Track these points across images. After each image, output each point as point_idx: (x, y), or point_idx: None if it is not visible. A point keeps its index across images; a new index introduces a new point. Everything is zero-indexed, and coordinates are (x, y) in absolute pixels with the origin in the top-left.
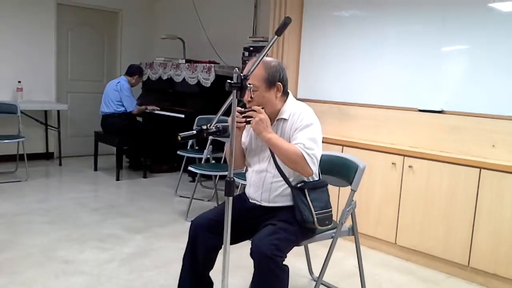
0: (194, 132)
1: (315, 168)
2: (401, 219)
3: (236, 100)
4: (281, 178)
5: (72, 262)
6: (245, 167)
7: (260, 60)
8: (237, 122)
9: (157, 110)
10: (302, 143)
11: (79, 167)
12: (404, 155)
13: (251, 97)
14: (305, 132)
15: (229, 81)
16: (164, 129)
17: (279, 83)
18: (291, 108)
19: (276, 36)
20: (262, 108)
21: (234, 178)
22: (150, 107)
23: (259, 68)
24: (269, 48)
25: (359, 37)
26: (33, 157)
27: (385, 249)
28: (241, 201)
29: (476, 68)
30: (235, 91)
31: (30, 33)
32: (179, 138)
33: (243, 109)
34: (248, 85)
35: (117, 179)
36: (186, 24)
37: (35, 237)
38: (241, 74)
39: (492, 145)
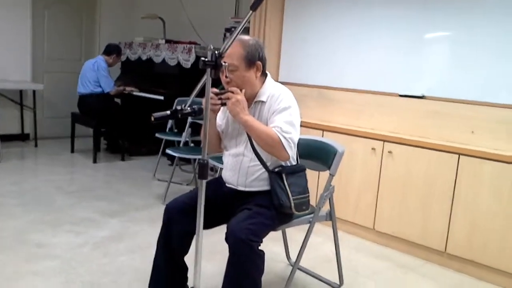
0: (168, 112)
1: (291, 152)
2: (379, 204)
3: (211, 79)
4: (258, 162)
5: (44, 246)
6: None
7: (236, 36)
8: (212, 104)
9: (136, 91)
10: (279, 126)
11: (56, 149)
12: (384, 141)
13: (227, 77)
14: (283, 115)
15: (203, 58)
16: (143, 111)
17: (259, 62)
18: (269, 90)
19: (251, 11)
20: (241, 90)
21: (209, 160)
22: (128, 88)
23: (237, 47)
24: (244, 24)
25: (342, 21)
26: (7, 138)
27: (363, 235)
28: (218, 185)
29: (457, 54)
30: (209, 69)
31: (4, 11)
32: (152, 118)
33: (219, 91)
34: (223, 63)
35: (94, 161)
36: (167, 3)
37: (7, 220)
38: (216, 52)
39: (471, 131)
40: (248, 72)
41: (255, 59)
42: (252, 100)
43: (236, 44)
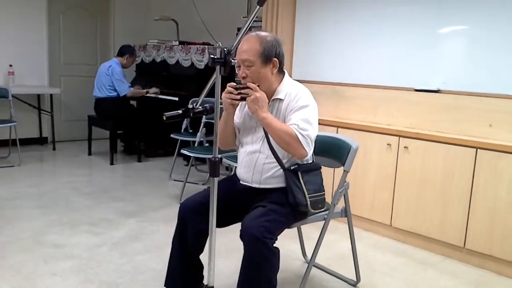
0: (180, 111)
1: (309, 149)
2: (396, 200)
3: (220, 77)
4: (274, 160)
5: (62, 247)
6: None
7: (244, 33)
8: (231, 98)
9: (157, 94)
10: (296, 124)
11: (73, 152)
12: (400, 136)
13: (245, 73)
14: (300, 113)
15: (212, 56)
16: (158, 113)
17: (275, 59)
18: (287, 88)
19: (258, 7)
20: (258, 86)
21: (220, 158)
22: (151, 91)
23: (254, 43)
24: (251, 20)
25: (356, 17)
26: (27, 142)
27: (380, 231)
28: (232, 183)
29: (473, 48)
30: (218, 67)
31: (21, 16)
32: (164, 117)
33: (238, 85)
34: (232, 61)
35: (111, 163)
36: (179, 5)
37: (26, 221)
38: (225, 49)
39: (489, 124)
40: (264, 68)
41: (271, 56)
42: (270, 97)
43: (253, 40)
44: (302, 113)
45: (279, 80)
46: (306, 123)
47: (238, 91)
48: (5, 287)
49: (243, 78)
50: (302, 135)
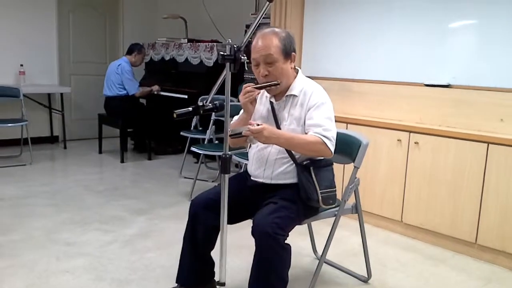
0: (190, 109)
1: (333, 149)
2: (407, 196)
3: (230, 74)
4: (286, 155)
5: (74, 244)
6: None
7: (253, 29)
8: (250, 96)
9: (159, 90)
10: (320, 126)
11: (84, 150)
12: (410, 131)
13: (268, 71)
14: (321, 111)
15: (221, 53)
16: (167, 111)
17: (294, 53)
18: (302, 85)
19: (268, 3)
20: (279, 82)
21: (233, 157)
22: (154, 88)
23: (273, 39)
24: (261, 16)
25: (363, 13)
26: (38, 141)
27: (391, 227)
28: (242, 179)
29: (483, 42)
30: (228, 64)
31: (31, 16)
32: (175, 115)
33: (258, 85)
34: (242, 57)
35: (122, 161)
36: (188, 3)
37: (38, 219)
38: (234, 46)
39: (500, 119)
40: (286, 64)
41: (290, 51)
42: (284, 93)
43: (271, 36)
44: (323, 111)
45: (294, 76)
46: (329, 121)
47: (258, 86)
48: (19, 284)
49: (265, 76)
50: (327, 137)
